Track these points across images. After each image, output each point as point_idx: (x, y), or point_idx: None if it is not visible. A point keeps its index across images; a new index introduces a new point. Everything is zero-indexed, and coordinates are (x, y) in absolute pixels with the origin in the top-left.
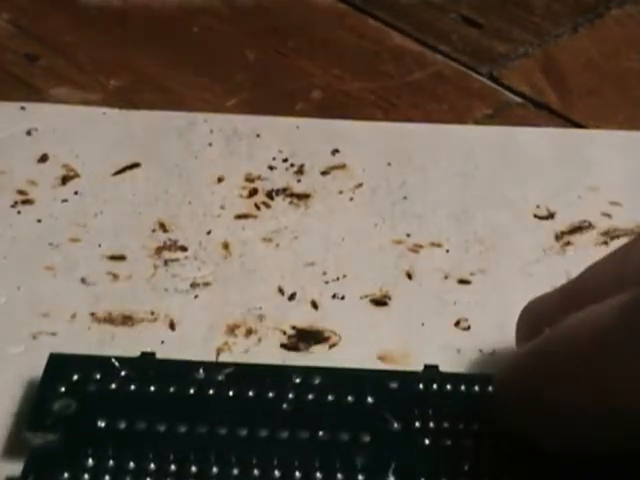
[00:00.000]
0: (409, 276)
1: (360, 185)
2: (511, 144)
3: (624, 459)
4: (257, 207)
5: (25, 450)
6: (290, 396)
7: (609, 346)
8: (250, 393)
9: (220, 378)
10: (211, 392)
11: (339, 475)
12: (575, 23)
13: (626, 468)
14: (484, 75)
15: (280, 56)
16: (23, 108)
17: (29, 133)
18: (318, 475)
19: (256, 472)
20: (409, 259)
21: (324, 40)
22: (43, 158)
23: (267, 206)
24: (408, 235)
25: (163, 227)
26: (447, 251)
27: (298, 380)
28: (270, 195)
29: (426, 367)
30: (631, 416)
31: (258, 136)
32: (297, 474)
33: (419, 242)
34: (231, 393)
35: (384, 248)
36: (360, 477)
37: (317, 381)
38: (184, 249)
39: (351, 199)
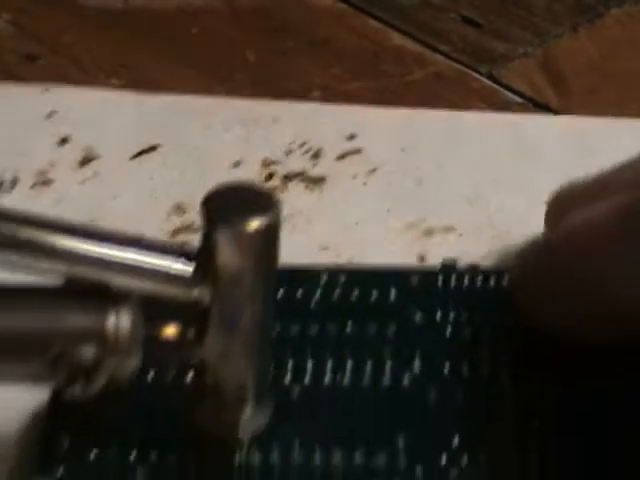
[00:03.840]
0: (422, 259)
1: (375, 170)
2: (526, 130)
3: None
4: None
5: None
6: (318, 295)
7: (605, 241)
8: (280, 292)
9: None
10: None
11: (368, 365)
12: (575, 23)
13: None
14: (484, 75)
15: (280, 56)
16: (45, 90)
17: (50, 115)
18: (349, 365)
19: (290, 366)
20: (422, 243)
21: (324, 40)
22: (63, 140)
23: (282, 190)
24: (421, 219)
25: (180, 210)
26: (460, 235)
27: (325, 279)
28: (286, 179)
29: (445, 263)
30: (626, 312)
31: (276, 121)
32: (329, 364)
33: (432, 226)
34: None
35: (397, 232)
36: (388, 366)
37: (343, 280)
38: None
39: (365, 184)
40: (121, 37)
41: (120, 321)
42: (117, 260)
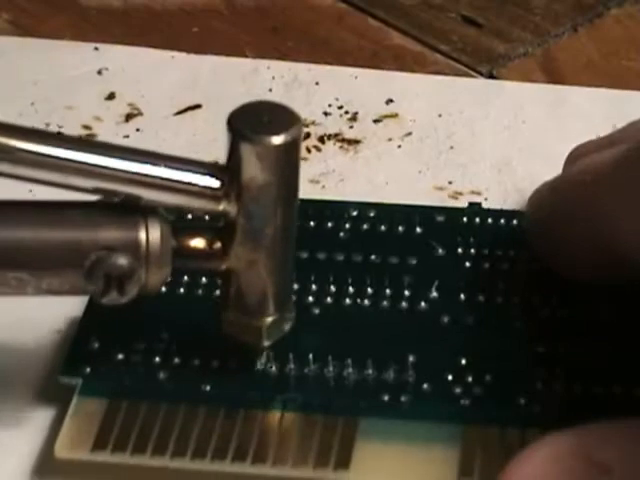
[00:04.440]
0: None
1: (409, 134)
2: (561, 102)
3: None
4: (308, 150)
5: None
6: (347, 226)
7: (605, 184)
8: (311, 223)
9: None
10: None
11: (387, 290)
12: (575, 23)
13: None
14: (484, 75)
15: (280, 56)
16: (96, 49)
17: (100, 72)
18: (369, 290)
19: (314, 287)
20: (448, 205)
21: (324, 40)
22: (110, 96)
23: (318, 149)
24: (450, 183)
25: None
26: (485, 199)
27: (354, 213)
28: (322, 139)
29: (470, 204)
30: (626, 251)
31: (317, 84)
32: (350, 289)
33: (460, 190)
34: None
35: (425, 193)
36: (406, 292)
37: (371, 214)
38: None
39: (399, 146)
40: (121, 37)
41: (150, 233)
42: (148, 176)
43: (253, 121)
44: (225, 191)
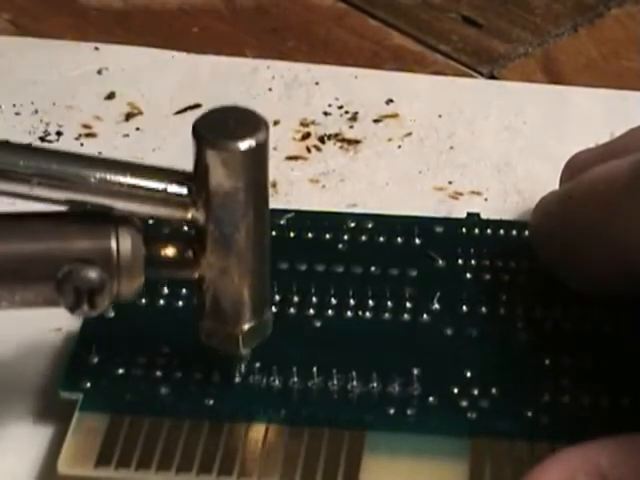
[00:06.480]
0: None
1: (409, 134)
2: (562, 102)
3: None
4: (308, 150)
5: None
6: (345, 238)
7: (621, 192)
8: (309, 235)
9: (282, 222)
10: (274, 233)
11: (389, 303)
12: (575, 23)
13: None
14: (484, 75)
15: (280, 56)
16: (97, 48)
17: (100, 72)
18: (370, 302)
19: (314, 300)
20: (448, 205)
21: (324, 40)
22: (110, 96)
23: (318, 149)
24: (450, 183)
25: None
26: (485, 199)
27: (353, 224)
28: (322, 139)
29: (469, 214)
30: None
31: (317, 84)
32: (351, 302)
33: (460, 190)
34: (292, 234)
35: (425, 193)
36: (408, 304)
37: (370, 225)
38: None
39: (399, 147)
40: (121, 38)
41: (121, 243)
42: (117, 185)
43: (219, 127)
44: (192, 198)
